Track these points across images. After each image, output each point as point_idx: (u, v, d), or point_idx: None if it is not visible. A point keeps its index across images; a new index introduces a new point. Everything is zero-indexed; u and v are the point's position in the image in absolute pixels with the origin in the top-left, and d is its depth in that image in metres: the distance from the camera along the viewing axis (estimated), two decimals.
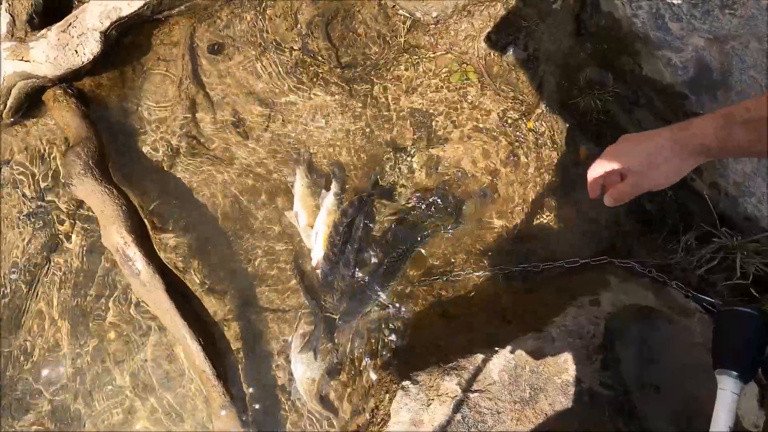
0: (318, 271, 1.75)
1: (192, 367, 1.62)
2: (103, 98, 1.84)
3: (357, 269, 1.77)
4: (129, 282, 1.53)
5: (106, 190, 1.52)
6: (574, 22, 1.81)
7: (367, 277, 1.74)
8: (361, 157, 1.87)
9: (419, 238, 1.79)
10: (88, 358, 1.70)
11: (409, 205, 1.84)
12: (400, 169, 1.86)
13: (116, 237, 1.47)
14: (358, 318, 1.73)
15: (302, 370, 1.68)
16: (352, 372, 1.74)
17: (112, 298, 1.69)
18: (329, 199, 1.78)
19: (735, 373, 0.87)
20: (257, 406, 1.70)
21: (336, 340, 1.75)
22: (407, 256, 1.76)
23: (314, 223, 1.77)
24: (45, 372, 1.69)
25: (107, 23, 1.65)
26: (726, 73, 1.58)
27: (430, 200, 1.83)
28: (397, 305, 1.75)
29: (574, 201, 1.85)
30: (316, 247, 1.75)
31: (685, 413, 1.19)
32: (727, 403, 0.85)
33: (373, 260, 1.79)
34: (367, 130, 1.89)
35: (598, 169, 1.05)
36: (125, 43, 1.86)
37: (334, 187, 1.80)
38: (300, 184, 1.80)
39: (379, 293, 1.74)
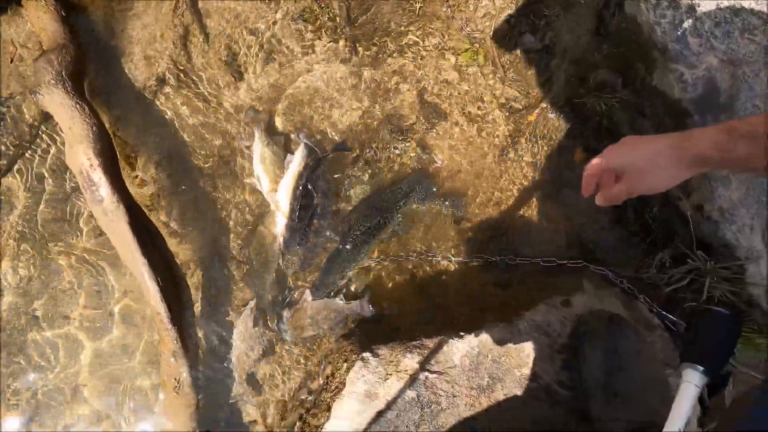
0: (280, 240, 1.67)
1: (149, 307, 1.54)
2: (88, 7, 1.68)
3: (313, 236, 1.70)
4: (91, 209, 1.43)
5: (77, 105, 1.40)
6: (595, 20, 1.76)
7: (339, 246, 1.69)
8: (353, 122, 1.79)
9: (394, 212, 1.72)
10: (36, 284, 1.61)
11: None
12: (389, 144, 1.79)
13: (82, 158, 1.36)
14: (324, 292, 1.68)
15: (238, 342, 1.66)
16: (313, 339, 1.71)
17: (68, 224, 1.58)
18: (295, 163, 1.67)
19: (701, 368, 0.90)
20: (207, 361, 1.65)
21: (285, 318, 1.70)
22: (380, 229, 1.69)
23: (278, 188, 1.68)
24: None
25: None
26: (733, 97, 1.57)
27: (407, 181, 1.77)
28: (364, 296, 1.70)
29: (562, 201, 1.84)
30: (280, 214, 1.66)
31: (640, 422, 1.21)
32: (690, 396, 0.89)
33: (337, 230, 1.72)
34: (365, 95, 1.80)
35: (595, 167, 1.05)
36: None
37: (301, 150, 1.69)
38: (260, 145, 1.68)
39: (346, 266, 1.68)
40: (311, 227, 1.70)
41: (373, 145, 1.79)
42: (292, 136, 1.75)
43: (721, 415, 1.40)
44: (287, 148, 1.74)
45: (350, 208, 1.76)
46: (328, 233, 1.73)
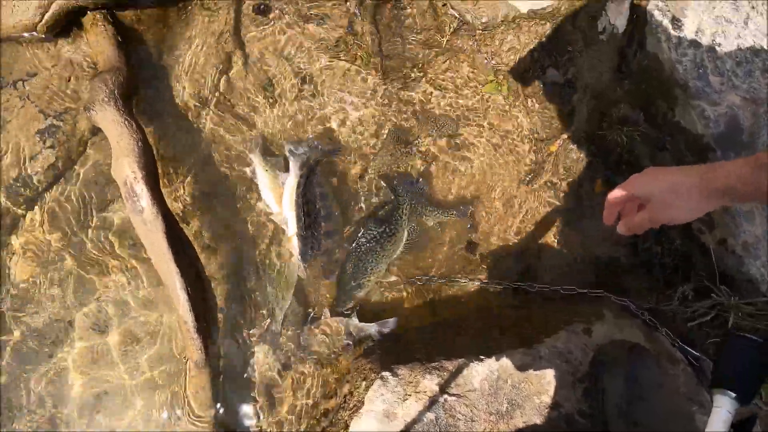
0: (297, 255, 1.70)
1: (176, 316, 1.59)
2: (141, 34, 1.82)
3: (325, 239, 1.73)
4: (130, 218, 1.51)
5: (126, 122, 1.50)
6: (617, 57, 1.83)
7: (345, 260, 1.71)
8: (374, 147, 1.86)
9: (398, 218, 1.75)
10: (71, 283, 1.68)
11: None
12: (406, 165, 1.84)
13: (127, 170, 1.45)
14: (342, 308, 1.71)
15: (258, 357, 1.69)
16: (331, 356, 1.73)
17: (110, 232, 1.67)
18: (291, 180, 1.71)
19: (733, 394, 0.89)
20: (226, 373, 1.68)
21: (303, 336, 1.73)
22: (387, 238, 1.72)
23: (282, 208, 1.72)
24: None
25: None
26: (755, 135, 1.60)
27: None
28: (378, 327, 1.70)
29: (582, 230, 1.86)
30: (291, 231, 1.70)
31: None
32: (722, 420, 0.88)
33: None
34: (392, 122, 1.88)
35: (618, 195, 1.07)
36: None
37: (293, 166, 1.72)
38: (261, 170, 1.74)
39: (357, 279, 1.71)
40: (320, 231, 1.73)
41: (392, 167, 1.84)
42: (285, 150, 1.79)
43: None
44: (287, 167, 1.79)
45: (356, 215, 1.81)
46: (338, 237, 1.76)
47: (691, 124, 1.66)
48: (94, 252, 1.68)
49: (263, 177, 1.75)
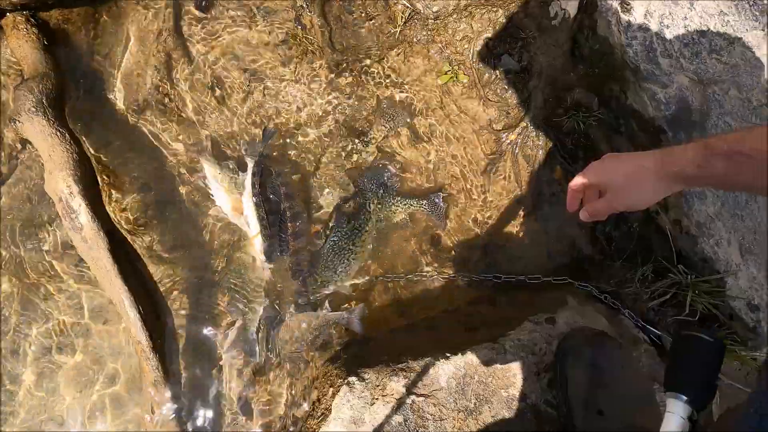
0: (261, 256, 1.65)
1: (129, 336, 1.51)
2: (71, 36, 1.69)
3: (294, 239, 1.69)
4: (70, 236, 1.41)
5: (58, 132, 1.39)
6: (570, 42, 1.82)
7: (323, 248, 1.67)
8: (332, 144, 1.80)
9: (366, 214, 1.71)
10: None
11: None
12: (366, 160, 1.80)
13: (61, 185, 1.35)
14: (306, 303, 1.68)
15: (225, 368, 1.64)
16: (300, 361, 1.68)
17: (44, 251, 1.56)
18: (248, 179, 1.66)
19: (685, 397, 0.87)
20: (192, 389, 1.61)
21: (273, 338, 1.68)
22: (355, 235, 1.69)
23: (243, 208, 1.67)
24: None
25: None
26: (704, 115, 1.62)
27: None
28: (353, 308, 1.67)
29: (544, 218, 1.86)
30: (253, 232, 1.65)
31: None
32: (674, 427, 0.86)
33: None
34: (347, 116, 1.82)
35: (578, 183, 1.08)
36: None
37: (250, 165, 1.68)
38: (213, 175, 1.67)
39: (323, 275, 1.68)
40: (286, 232, 1.69)
41: (345, 160, 1.78)
42: (242, 150, 1.74)
43: (711, 429, 1.39)
44: (241, 168, 1.73)
45: (322, 212, 1.76)
46: (305, 237, 1.71)
47: (643, 106, 1.67)
48: (33, 275, 1.57)
49: (215, 181, 1.68)
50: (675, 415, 0.86)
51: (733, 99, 1.61)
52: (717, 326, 1.70)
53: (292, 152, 1.79)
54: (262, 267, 1.69)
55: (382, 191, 1.75)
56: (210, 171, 1.68)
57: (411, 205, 1.76)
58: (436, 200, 1.77)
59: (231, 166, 1.71)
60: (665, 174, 0.94)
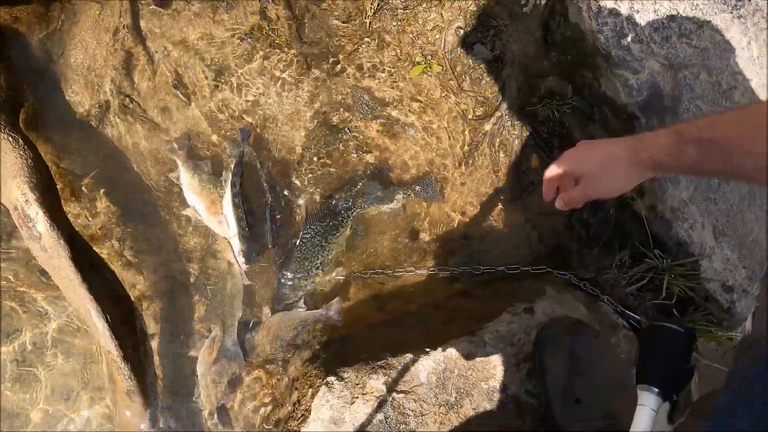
0: (239, 258, 1.62)
1: (97, 346, 1.46)
2: (22, 35, 1.60)
3: (281, 232, 1.67)
4: (28, 246, 1.35)
5: (10, 138, 1.32)
6: (542, 29, 1.80)
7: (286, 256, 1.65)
8: (308, 138, 1.77)
9: (347, 214, 1.70)
10: None
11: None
12: (345, 154, 1.77)
13: (16, 192, 1.29)
14: (282, 304, 1.65)
15: (202, 374, 1.60)
16: (279, 363, 1.66)
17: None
18: (229, 178, 1.63)
19: (656, 389, 0.87)
20: (168, 398, 1.58)
21: (251, 340, 1.65)
22: (331, 233, 1.67)
23: (222, 209, 1.63)
24: None
25: None
26: (676, 100, 1.62)
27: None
28: (331, 306, 1.65)
29: (522, 207, 1.85)
30: (231, 234, 1.62)
31: (602, 426, 1.21)
32: (645, 420, 0.86)
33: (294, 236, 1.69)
34: (320, 111, 1.78)
35: (554, 172, 1.07)
36: None
37: (232, 165, 1.65)
38: (186, 175, 1.63)
39: (299, 275, 1.65)
40: (275, 224, 1.66)
41: (323, 155, 1.75)
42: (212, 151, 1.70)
43: (690, 408, 1.40)
44: (216, 171, 1.69)
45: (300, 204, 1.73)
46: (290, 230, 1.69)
47: (616, 93, 1.66)
48: None
49: (189, 181, 1.63)
50: (645, 407, 0.86)
51: (703, 83, 1.61)
52: (693, 309, 1.72)
53: (265, 149, 1.74)
54: (240, 271, 1.65)
55: (370, 189, 1.73)
56: (184, 171, 1.63)
57: (406, 194, 1.75)
58: (427, 184, 1.76)
59: (205, 168, 1.67)
60: (638, 161, 0.94)
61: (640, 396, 0.89)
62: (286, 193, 1.73)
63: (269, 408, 1.63)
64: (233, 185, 1.62)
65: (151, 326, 1.63)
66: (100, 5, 1.64)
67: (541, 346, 1.37)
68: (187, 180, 1.63)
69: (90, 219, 1.62)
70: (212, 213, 1.65)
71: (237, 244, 1.63)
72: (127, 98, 1.67)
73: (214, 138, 1.72)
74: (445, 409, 1.37)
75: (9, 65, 1.52)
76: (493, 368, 1.41)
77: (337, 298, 1.66)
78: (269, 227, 1.67)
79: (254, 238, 1.65)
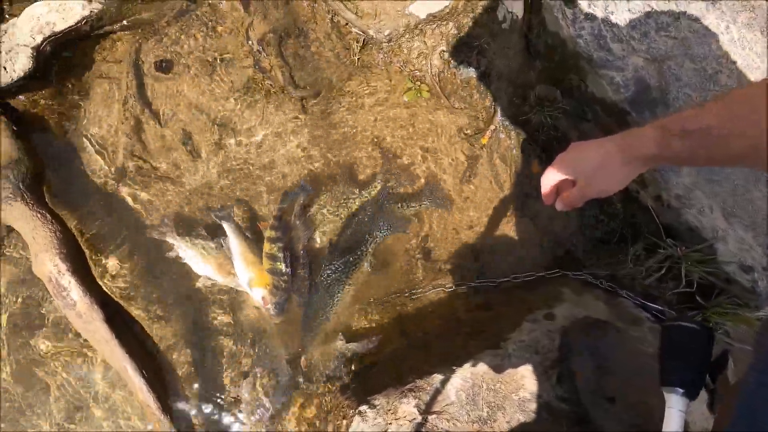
0: (269, 307, 1.66)
1: (137, 400, 1.52)
2: (40, 117, 1.73)
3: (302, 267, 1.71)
4: (64, 314, 1.43)
5: (39, 215, 1.42)
6: (523, 41, 1.86)
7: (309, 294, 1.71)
8: (317, 179, 1.84)
9: (364, 249, 1.75)
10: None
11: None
12: (348, 196, 1.82)
13: (49, 265, 1.37)
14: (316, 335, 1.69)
15: (244, 415, 1.64)
16: (314, 394, 1.68)
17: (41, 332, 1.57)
18: (234, 241, 1.67)
19: (681, 390, 0.87)
20: None
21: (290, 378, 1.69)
22: (351, 268, 1.72)
23: (230, 268, 1.67)
24: None
25: (40, 39, 1.56)
26: (664, 91, 1.65)
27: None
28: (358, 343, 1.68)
29: (530, 214, 1.88)
30: (254, 290, 1.65)
31: (639, 422, 1.20)
32: (675, 422, 0.85)
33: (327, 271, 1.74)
34: (323, 150, 1.86)
35: (550, 177, 1.09)
36: (64, 58, 1.76)
37: (227, 227, 1.69)
38: (184, 249, 1.66)
39: (322, 312, 1.70)
40: (299, 261, 1.72)
41: (331, 199, 1.81)
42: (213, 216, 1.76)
43: (726, 393, 1.38)
44: (211, 231, 1.73)
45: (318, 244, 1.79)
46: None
47: (603, 92, 1.70)
48: (36, 356, 1.58)
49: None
50: (673, 410, 0.86)
51: (689, 71, 1.64)
52: (717, 294, 1.70)
53: (272, 195, 1.81)
54: (270, 317, 1.69)
55: (384, 202, 1.79)
56: (182, 247, 1.68)
57: (415, 205, 1.81)
58: (434, 194, 1.82)
59: (202, 233, 1.72)
60: (629, 158, 0.95)
61: (667, 399, 0.88)
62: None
63: None
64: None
65: (187, 372, 1.67)
66: (109, 80, 1.77)
67: (566, 350, 1.37)
68: (189, 254, 1.67)
69: (116, 280, 1.70)
70: (226, 274, 1.69)
71: (258, 294, 1.66)
72: (140, 160, 1.76)
73: (221, 192, 1.79)
74: (479, 425, 1.38)
75: (31, 148, 1.63)
76: (521, 378, 1.41)
77: (378, 336, 1.70)
78: (305, 275, 1.71)
79: (288, 290, 1.68)
